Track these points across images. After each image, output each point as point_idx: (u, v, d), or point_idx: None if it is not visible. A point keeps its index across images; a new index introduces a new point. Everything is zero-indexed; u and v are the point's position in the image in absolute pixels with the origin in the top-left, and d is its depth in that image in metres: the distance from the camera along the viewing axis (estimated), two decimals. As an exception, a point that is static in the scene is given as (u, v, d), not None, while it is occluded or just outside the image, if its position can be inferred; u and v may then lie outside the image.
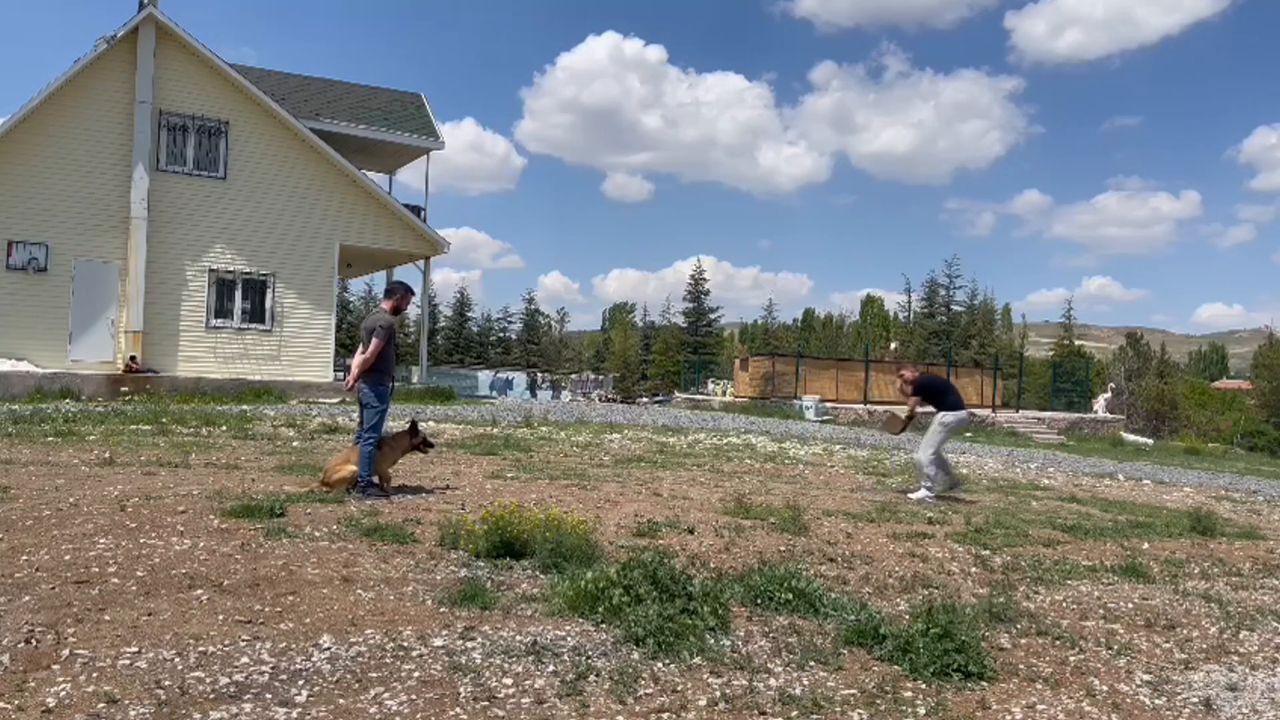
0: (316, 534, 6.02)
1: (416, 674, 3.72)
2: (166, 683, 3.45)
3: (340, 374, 22.75)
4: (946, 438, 10.14)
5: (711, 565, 5.83)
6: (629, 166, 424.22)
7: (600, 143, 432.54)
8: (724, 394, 35.55)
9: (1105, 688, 4.14)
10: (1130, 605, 5.69)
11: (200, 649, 3.81)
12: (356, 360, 7.78)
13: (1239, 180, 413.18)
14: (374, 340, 7.68)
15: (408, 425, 8.40)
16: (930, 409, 10.33)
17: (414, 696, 3.50)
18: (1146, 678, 4.34)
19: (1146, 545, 7.82)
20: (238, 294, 21.01)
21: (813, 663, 4.15)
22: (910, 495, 9.79)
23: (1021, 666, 4.33)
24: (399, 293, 8.08)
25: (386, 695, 3.50)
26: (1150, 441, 29.01)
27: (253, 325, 21.14)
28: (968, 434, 24.70)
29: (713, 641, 4.29)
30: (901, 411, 10.68)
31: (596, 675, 3.81)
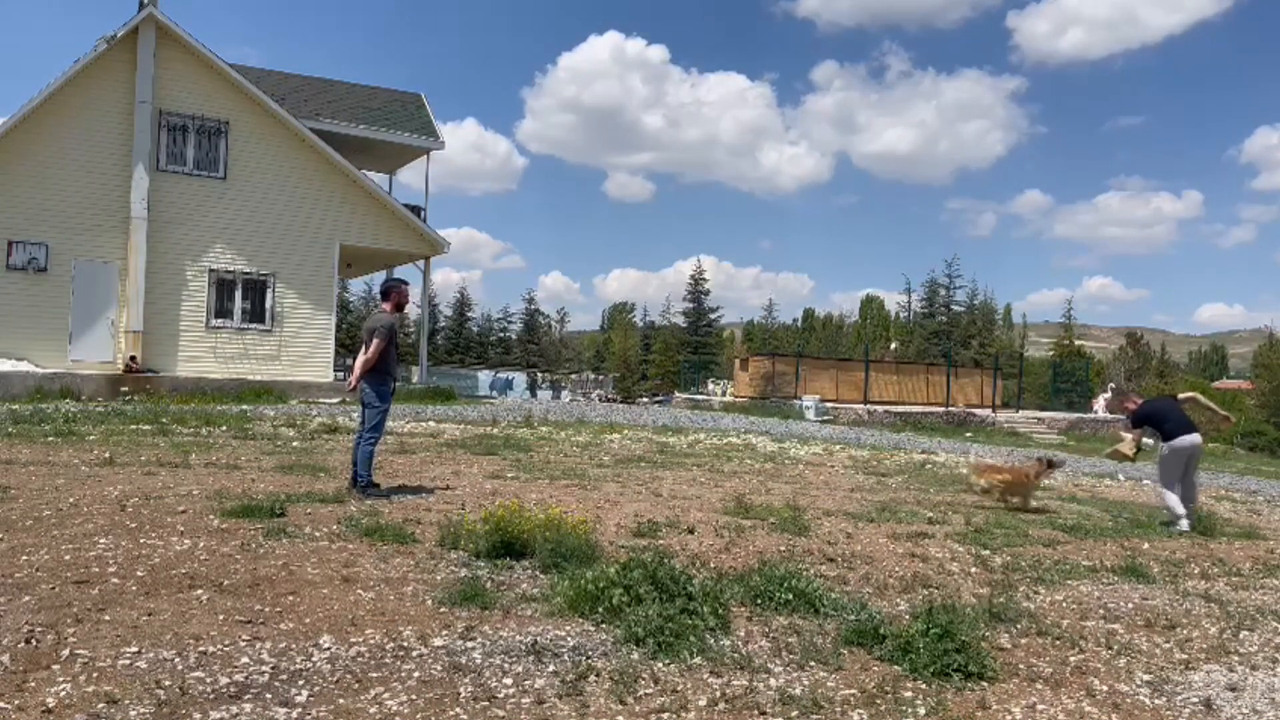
0: (316, 534, 6.02)
1: (417, 674, 3.72)
2: (166, 683, 3.45)
3: (340, 374, 22.76)
4: (1177, 467, 9.36)
5: (711, 565, 5.83)
6: (630, 166, 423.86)
7: (602, 143, 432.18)
8: (724, 394, 35.56)
9: (1105, 688, 4.14)
10: (1130, 605, 5.69)
11: (200, 649, 3.81)
12: (359, 361, 7.79)
13: (1241, 180, 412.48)
14: (375, 340, 7.68)
15: (1042, 460, 9.86)
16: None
17: (414, 696, 3.50)
18: (1146, 678, 4.34)
19: (1146, 545, 7.82)
20: (238, 294, 21.00)
21: (813, 663, 4.15)
22: (1170, 529, 9.02)
23: (1022, 666, 4.33)
24: (396, 290, 8.06)
25: (387, 695, 3.50)
26: (1151, 442, 29.00)
27: (253, 325, 21.13)
28: (968, 434, 24.71)
29: (713, 641, 4.29)
30: (1126, 447, 9.88)
31: (596, 675, 3.81)
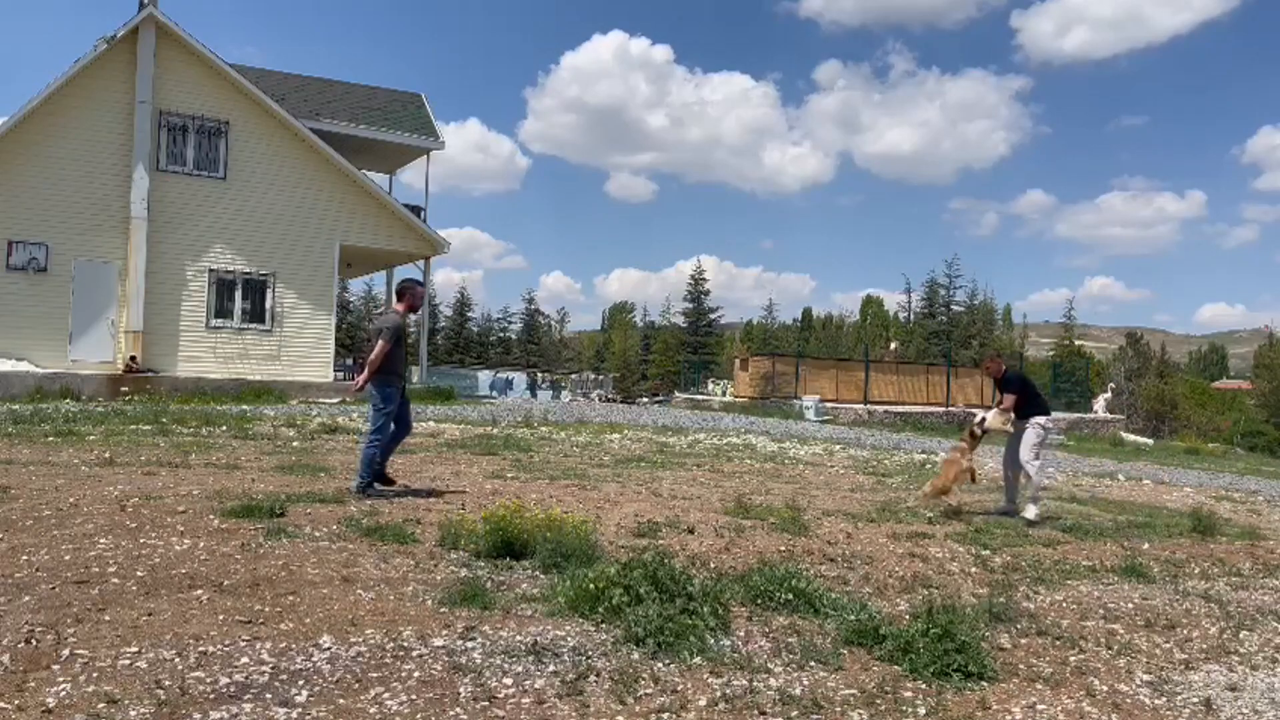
0: (316, 534, 6.02)
1: (416, 674, 3.72)
2: (166, 683, 3.45)
3: (340, 374, 22.78)
4: (1042, 446, 8.98)
5: (711, 565, 5.83)
6: (633, 166, 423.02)
7: (604, 143, 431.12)
8: (724, 394, 35.55)
9: (1105, 688, 4.14)
10: (1130, 605, 5.70)
11: (200, 649, 3.81)
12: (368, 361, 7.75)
13: (1244, 180, 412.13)
14: (380, 341, 7.63)
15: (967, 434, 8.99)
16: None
17: (414, 696, 3.50)
18: (1147, 678, 4.34)
19: (1146, 545, 7.82)
20: (238, 294, 21.01)
21: (813, 663, 4.15)
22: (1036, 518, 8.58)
23: (1022, 666, 4.33)
24: (410, 291, 8.00)
25: (386, 695, 3.49)
26: (1150, 441, 29.02)
27: (253, 325, 21.14)
28: (968, 434, 24.67)
29: (713, 641, 4.29)
30: (998, 422, 8.96)
31: (596, 675, 3.81)
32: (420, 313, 29.07)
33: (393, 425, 7.90)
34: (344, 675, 3.66)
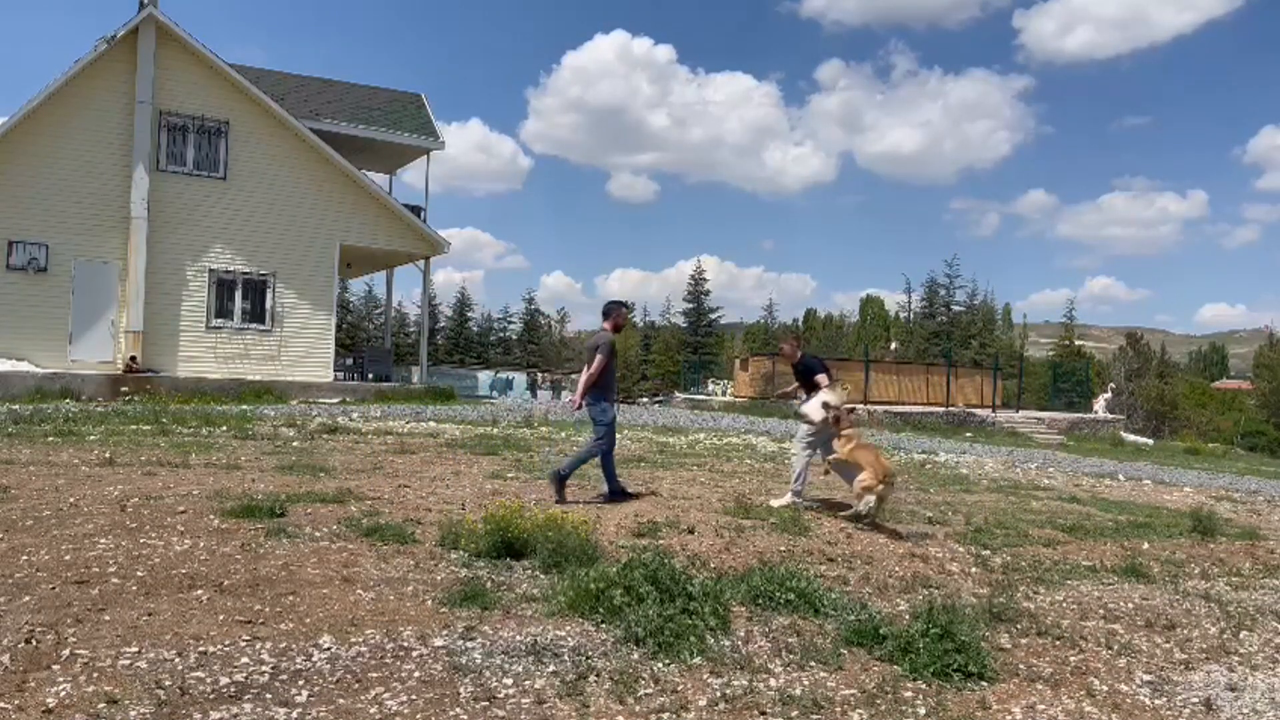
0: (317, 534, 6.02)
1: (417, 674, 3.72)
2: (167, 683, 3.45)
3: (340, 374, 22.79)
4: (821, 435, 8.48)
5: (712, 565, 5.83)
6: (635, 166, 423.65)
7: (606, 143, 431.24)
8: (724, 394, 35.56)
9: (1105, 688, 4.14)
10: (1130, 605, 5.70)
11: (200, 649, 3.81)
12: (583, 378, 8.11)
13: (1246, 180, 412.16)
14: (598, 357, 7.96)
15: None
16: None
17: (414, 696, 3.50)
18: (1147, 678, 4.34)
19: (1146, 545, 7.82)
20: (238, 294, 21.00)
21: (813, 663, 4.15)
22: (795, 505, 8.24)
23: (1022, 666, 4.33)
24: (616, 312, 8.37)
25: (387, 695, 3.50)
26: (1150, 442, 29.01)
27: (252, 325, 21.13)
28: (968, 434, 24.67)
29: (713, 641, 4.29)
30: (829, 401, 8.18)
31: (597, 675, 3.81)
32: (421, 311, 29.09)
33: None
34: (344, 675, 3.66)
